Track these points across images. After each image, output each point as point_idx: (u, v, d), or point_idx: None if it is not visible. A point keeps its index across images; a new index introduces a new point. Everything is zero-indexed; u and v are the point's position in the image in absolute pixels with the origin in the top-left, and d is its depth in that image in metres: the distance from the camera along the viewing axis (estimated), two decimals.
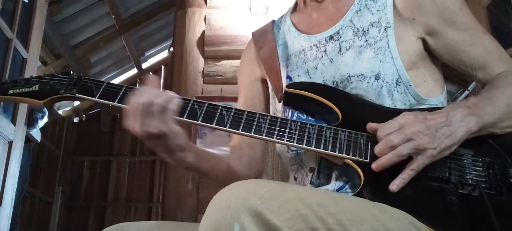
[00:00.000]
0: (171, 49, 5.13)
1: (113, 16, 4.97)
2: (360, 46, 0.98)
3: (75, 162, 6.26)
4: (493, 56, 0.98)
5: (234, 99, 3.25)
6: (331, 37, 1.03)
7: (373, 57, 0.96)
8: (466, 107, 0.86)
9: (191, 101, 0.92)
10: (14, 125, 2.87)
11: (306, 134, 0.88)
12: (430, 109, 0.91)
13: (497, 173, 0.85)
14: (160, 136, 0.85)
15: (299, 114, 1.01)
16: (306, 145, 0.88)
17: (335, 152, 0.87)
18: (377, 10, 1.00)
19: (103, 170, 6.28)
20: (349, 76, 0.97)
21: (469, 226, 0.80)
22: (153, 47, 6.40)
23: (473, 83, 3.19)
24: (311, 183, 0.99)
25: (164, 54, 6.64)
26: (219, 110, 0.91)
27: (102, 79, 0.96)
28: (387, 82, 0.94)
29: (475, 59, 0.98)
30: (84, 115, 6.56)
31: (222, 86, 3.54)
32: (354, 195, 0.84)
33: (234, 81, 3.39)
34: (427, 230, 0.78)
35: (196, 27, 3.68)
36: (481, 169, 0.85)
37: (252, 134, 0.89)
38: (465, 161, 0.86)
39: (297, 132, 0.89)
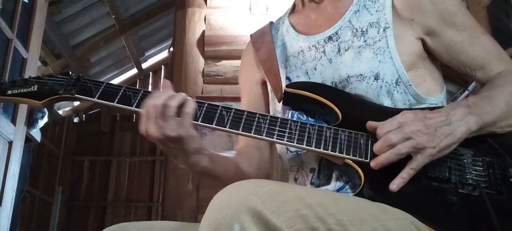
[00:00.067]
0: (171, 49, 5.14)
1: (113, 16, 4.98)
2: (359, 47, 0.98)
3: (75, 162, 6.26)
4: (492, 56, 0.98)
5: (234, 99, 3.27)
6: (330, 38, 1.03)
7: (372, 58, 0.96)
8: (466, 107, 0.86)
9: None
10: (14, 125, 2.87)
11: (306, 134, 0.88)
12: (430, 109, 0.91)
13: (497, 172, 0.85)
14: (177, 139, 0.85)
15: (299, 115, 1.01)
16: (306, 145, 0.88)
17: (335, 152, 0.87)
18: (376, 11, 1.00)
19: (103, 170, 6.27)
20: (348, 76, 0.97)
21: (469, 226, 0.80)
22: (153, 47, 6.40)
23: (473, 83, 3.19)
24: (312, 183, 0.99)
25: (164, 54, 6.65)
26: (219, 111, 0.91)
27: (102, 79, 0.96)
28: (386, 82, 0.94)
29: (474, 59, 0.98)
30: (84, 115, 6.56)
31: (222, 86, 3.54)
32: (355, 195, 0.84)
33: (234, 81, 3.39)
34: (427, 230, 0.78)
35: (196, 27, 3.68)
36: (481, 168, 0.85)
37: (252, 134, 0.89)
38: (465, 160, 0.86)
39: (297, 132, 0.89)
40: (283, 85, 1.03)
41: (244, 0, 3.68)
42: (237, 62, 3.13)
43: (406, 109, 0.92)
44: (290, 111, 1.03)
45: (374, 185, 0.84)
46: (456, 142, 0.83)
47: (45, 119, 3.31)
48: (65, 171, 6.09)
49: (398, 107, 0.94)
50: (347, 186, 0.92)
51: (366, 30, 0.99)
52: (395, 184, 0.81)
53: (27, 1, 3.02)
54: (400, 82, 0.95)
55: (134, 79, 6.65)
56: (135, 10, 5.29)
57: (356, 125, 0.89)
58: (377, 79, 0.94)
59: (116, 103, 0.92)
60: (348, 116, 0.92)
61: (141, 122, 0.85)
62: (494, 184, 0.84)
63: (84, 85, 0.95)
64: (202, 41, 3.61)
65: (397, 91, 0.95)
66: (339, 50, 1.00)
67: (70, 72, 0.98)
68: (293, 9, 1.18)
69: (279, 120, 0.91)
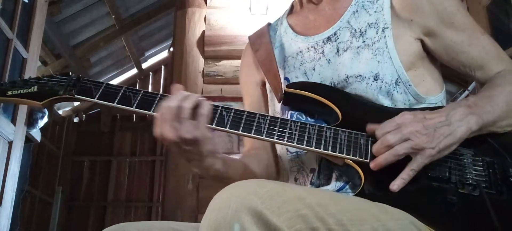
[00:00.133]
0: (171, 49, 5.13)
1: (113, 16, 4.98)
2: (358, 47, 0.98)
3: (75, 162, 6.26)
4: (491, 56, 0.98)
5: (234, 99, 3.27)
6: (328, 39, 1.03)
7: (371, 58, 0.96)
8: (466, 107, 0.86)
9: None
10: (14, 125, 2.87)
11: (306, 134, 0.88)
12: (431, 109, 0.91)
13: (497, 172, 0.85)
14: (193, 141, 0.83)
15: (298, 115, 1.01)
16: (306, 145, 0.88)
17: (335, 152, 0.87)
18: (375, 12, 1.00)
19: (103, 170, 6.28)
20: (347, 77, 0.97)
21: (469, 225, 0.80)
22: (153, 47, 6.40)
23: (473, 83, 3.19)
24: (312, 183, 0.98)
25: (164, 54, 6.65)
26: (219, 111, 0.91)
27: (102, 79, 0.96)
28: (386, 82, 0.94)
29: (474, 59, 0.98)
30: (84, 115, 6.56)
31: (222, 86, 3.54)
32: (355, 195, 0.84)
33: (234, 81, 3.40)
34: (428, 230, 0.78)
35: (196, 27, 3.68)
36: (481, 168, 0.85)
37: (252, 135, 0.89)
38: (465, 160, 0.86)
39: (297, 132, 0.88)
40: (283, 86, 1.03)
41: (244, 0, 3.68)
42: (237, 62, 3.13)
43: (406, 109, 0.92)
44: (289, 112, 1.03)
45: (374, 185, 0.83)
46: (456, 142, 0.83)
47: (45, 119, 3.31)
48: (65, 171, 6.09)
49: (398, 107, 0.94)
50: (347, 186, 0.92)
51: (365, 31, 0.99)
52: (396, 185, 0.81)
53: (27, 1, 3.02)
54: (399, 82, 0.95)
55: (134, 79, 6.65)
56: (135, 10, 5.29)
57: (356, 125, 0.89)
58: (377, 80, 0.94)
59: (116, 104, 0.92)
60: (348, 116, 0.92)
61: (156, 125, 0.83)
62: (494, 184, 0.84)
63: (84, 86, 0.95)
64: (202, 41, 3.61)
65: (397, 92, 0.95)
66: (337, 51, 1.00)
67: (70, 73, 0.98)
68: (291, 10, 1.18)
69: (279, 120, 0.90)
